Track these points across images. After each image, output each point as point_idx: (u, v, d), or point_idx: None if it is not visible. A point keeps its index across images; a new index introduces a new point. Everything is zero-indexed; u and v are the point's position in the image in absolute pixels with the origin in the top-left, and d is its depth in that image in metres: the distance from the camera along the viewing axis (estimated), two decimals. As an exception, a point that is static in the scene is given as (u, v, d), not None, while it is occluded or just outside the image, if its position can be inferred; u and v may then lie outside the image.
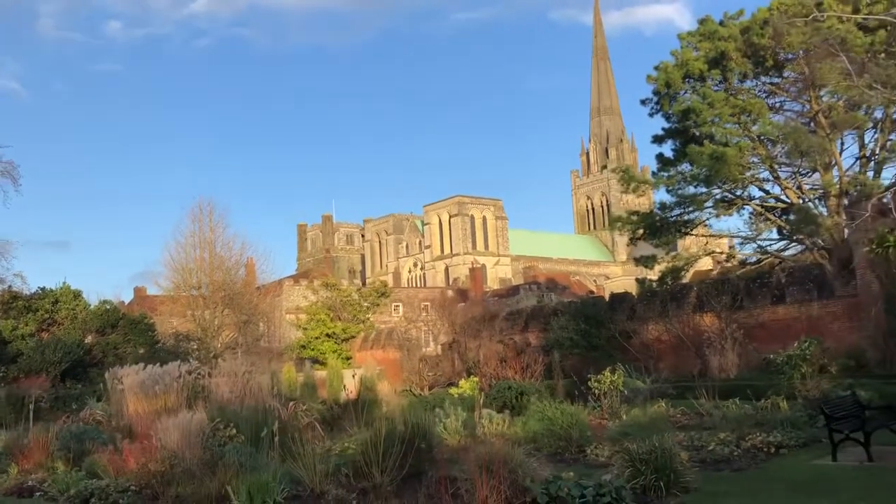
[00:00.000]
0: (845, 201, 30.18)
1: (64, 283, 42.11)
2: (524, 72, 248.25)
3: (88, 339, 39.10)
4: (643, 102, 35.92)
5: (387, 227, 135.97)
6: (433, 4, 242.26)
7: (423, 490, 8.88)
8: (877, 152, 30.82)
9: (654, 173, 37.21)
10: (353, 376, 28.29)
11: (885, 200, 26.71)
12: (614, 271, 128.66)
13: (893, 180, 32.21)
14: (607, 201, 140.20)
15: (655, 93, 34.25)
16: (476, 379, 21.47)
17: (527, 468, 8.57)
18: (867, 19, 27.29)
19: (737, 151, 30.42)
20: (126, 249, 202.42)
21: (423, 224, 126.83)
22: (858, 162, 31.46)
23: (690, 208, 34.58)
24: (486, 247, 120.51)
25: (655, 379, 19.19)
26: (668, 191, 35.30)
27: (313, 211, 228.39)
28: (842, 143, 31.85)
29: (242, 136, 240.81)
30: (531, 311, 35.40)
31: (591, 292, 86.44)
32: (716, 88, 32.93)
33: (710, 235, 37.91)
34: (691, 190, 33.65)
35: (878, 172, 30.73)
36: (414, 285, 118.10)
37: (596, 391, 16.92)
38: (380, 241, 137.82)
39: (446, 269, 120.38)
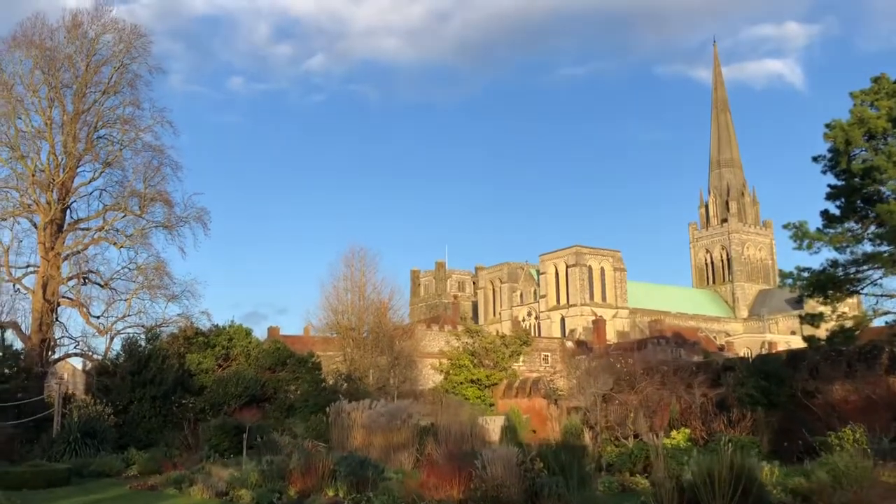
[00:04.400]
0: None
1: (232, 321, 44.77)
2: (632, 125, 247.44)
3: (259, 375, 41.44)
4: (815, 160, 35.74)
5: (500, 276, 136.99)
6: (540, 60, 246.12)
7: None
8: None
9: (818, 230, 37.02)
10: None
11: None
12: (735, 328, 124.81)
13: None
14: (728, 255, 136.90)
15: (832, 150, 34.15)
16: (687, 431, 21.88)
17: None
18: None
19: (926, 210, 29.94)
20: (230, 289, 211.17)
21: (539, 273, 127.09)
22: None
23: (865, 266, 34.16)
24: (604, 298, 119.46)
25: (893, 439, 19.11)
26: (835, 248, 35.15)
27: (426, 257, 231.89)
28: None
29: (355, 185, 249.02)
30: (697, 366, 35.32)
31: (721, 348, 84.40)
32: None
33: (882, 295, 37.05)
34: (868, 248, 33.33)
35: None
36: (530, 335, 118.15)
37: (836, 447, 17.06)
38: (493, 289, 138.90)
39: (562, 320, 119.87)
